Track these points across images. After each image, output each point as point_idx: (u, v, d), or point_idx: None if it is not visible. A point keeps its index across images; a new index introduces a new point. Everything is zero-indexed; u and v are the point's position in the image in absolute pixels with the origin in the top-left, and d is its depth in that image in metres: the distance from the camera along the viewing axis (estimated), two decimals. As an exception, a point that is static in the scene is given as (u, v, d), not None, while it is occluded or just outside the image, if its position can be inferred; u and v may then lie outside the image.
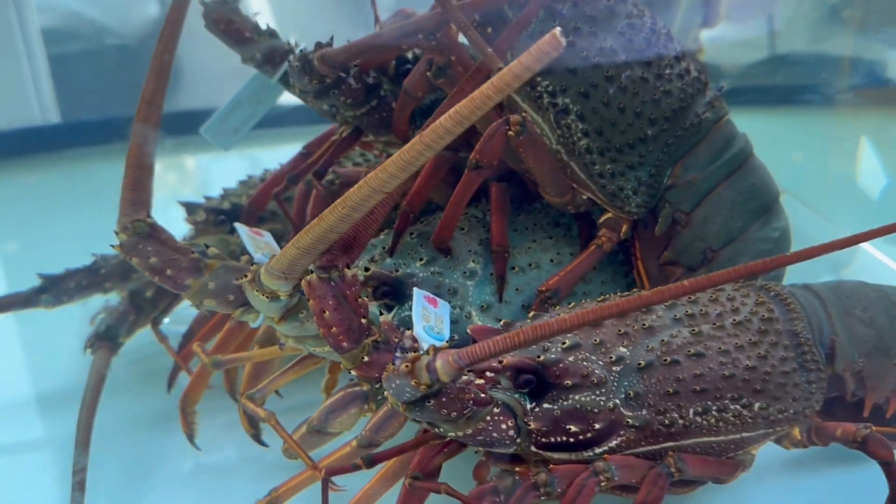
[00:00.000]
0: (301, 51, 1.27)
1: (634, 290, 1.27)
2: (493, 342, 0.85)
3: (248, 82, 1.43)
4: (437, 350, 0.87)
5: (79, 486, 1.30)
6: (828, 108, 3.20)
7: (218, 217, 1.56)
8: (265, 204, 1.51)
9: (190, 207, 1.62)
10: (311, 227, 0.88)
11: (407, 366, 0.87)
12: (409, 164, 0.80)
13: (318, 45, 1.24)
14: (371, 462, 1.03)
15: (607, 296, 1.17)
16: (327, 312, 0.92)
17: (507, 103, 1.23)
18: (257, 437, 1.33)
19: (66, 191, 2.67)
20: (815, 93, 3.18)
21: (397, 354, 0.92)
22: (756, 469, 1.16)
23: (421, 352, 0.97)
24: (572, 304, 1.23)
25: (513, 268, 1.27)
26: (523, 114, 1.18)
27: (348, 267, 0.94)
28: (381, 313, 1.18)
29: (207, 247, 1.16)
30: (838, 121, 3.18)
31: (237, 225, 1.28)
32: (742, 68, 3.05)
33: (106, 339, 1.47)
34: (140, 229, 1.08)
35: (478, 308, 1.24)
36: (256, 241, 1.26)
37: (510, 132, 1.14)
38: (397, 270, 1.22)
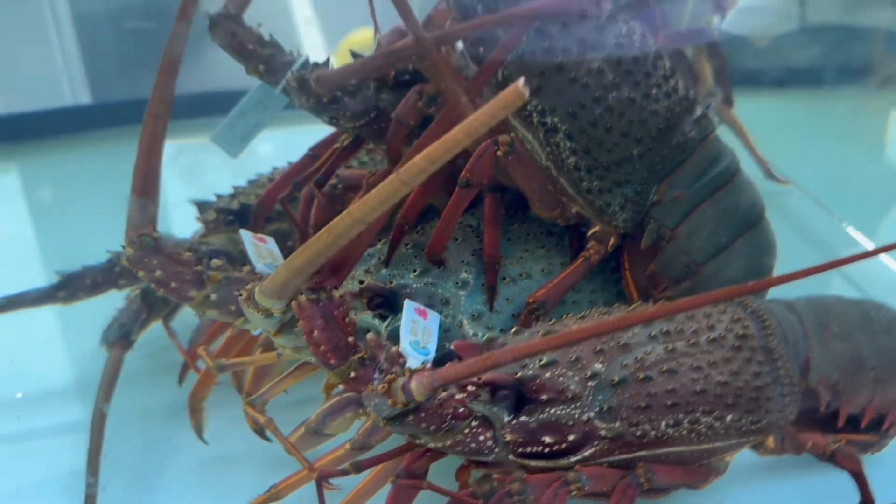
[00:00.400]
0: (298, 69, 1.35)
1: (615, 305, 1.34)
2: (465, 365, 0.95)
3: (254, 91, 1.52)
4: (412, 372, 0.97)
5: (93, 472, 1.42)
6: (859, 88, 3.20)
7: (227, 217, 1.67)
8: (272, 206, 1.60)
9: (201, 206, 1.73)
10: (301, 252, 0.97)
11: (384, 386, 0.97)
12: (388, 199, 0.89)
13: (315, 66, 1.33)
14: (360, 468, 1.13)
15: (591, 311, 1.25)
16: (316, 332, 1.02)
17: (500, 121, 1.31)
18: (261, 434, 1.43)
19: (97, 171, 2.77)
20: (845, 72, 3.18)
21: (375, 375, 1.01)
22: (736, 471, 1.25)
23: (407, 366, 1.07)
24: (565, 314, 1.32)
25: (504, 278, 1.36)
26: (512, 134, 1.26)
27: (336, 288, 1.04)
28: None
29: (211, 258, 1.26)
30: (868, 103, 3.18)
31: (242, 232, 1.38)
32: (771, 40, 3.06)
33: (119, 337, 1.59)
34: (146, 243, 1.18)
35: (469, 317, 1.33)
36: (259, 249, 1.35)
37: (499, 152, 1.23)
38: (392, 282, 1.32)
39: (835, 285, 1.95)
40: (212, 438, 1.51)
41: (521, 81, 0.79)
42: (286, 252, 1.63)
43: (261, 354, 1.37)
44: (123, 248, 1.18)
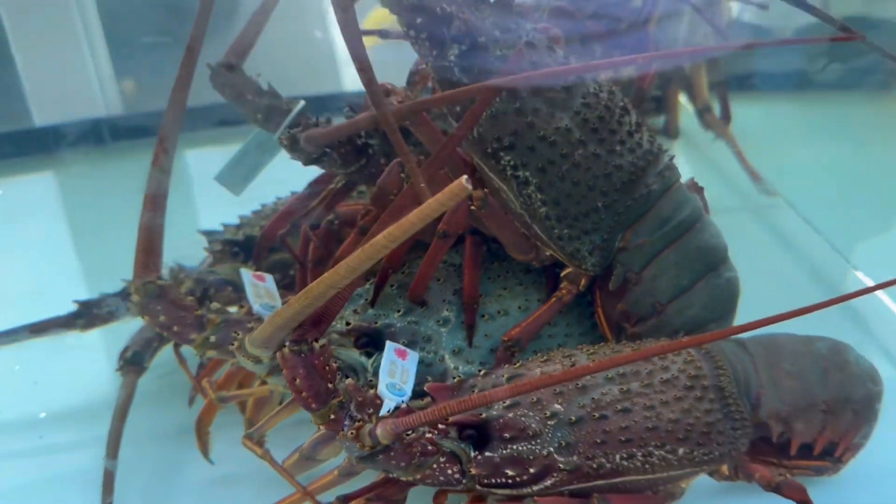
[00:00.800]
0: (290, 123, 1.50)
1: (578, 347, 1.48)
2: (426, 413, 1.11)
3: (254, 135, 1.68)
4: (378, 418, 1.12)
5: (108, 489, 1.60)
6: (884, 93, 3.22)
7: (233, 248, 1.83)
8: (273, 241, 1.76)
9: (209, 236, 1.89)
10: (283, 310, 1.13)
11: (352, 433, 1.13)
12: (356, 270, 1.05)
13: (306, 124, 1.48)
14: (345, 501, 1.30)
15: (554, 353, 1.40)
16: (298, 380, 1.17)
17: (479, 172, 1.46)
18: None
19: (131, 181, 2.95)
20: (869, 72, 3.19)
21: (346, 422, 1.17)
22: (694, 492, 1.39)
23: (383, 408, 1.23)
24: (539, 349, 1.47)
25: (483, 315, 1.51)
26: (486, 190, 1.40)
27: (317, 339, 1.19)
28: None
29: (218, 287, 1.42)
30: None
31: (242, 271, 1.53)
32: (794, 32, 3.04)
33: (133, 363, 1.76)
34: (151, 291, 1.34)
35: (450, 352, 1.48)
36: (258, 289, 1.51)
37: (472, 206, 1.37)
38: (377, 321, 1.47)
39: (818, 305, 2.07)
40: (218, 458, 1.67)
41: (464, 178, 0.94)
42: (287, 281, 1.80)
43: (258, 387, 1.54)
44: (129, 294, 1.34)
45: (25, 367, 1.97)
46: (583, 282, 1.50)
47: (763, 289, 1.99)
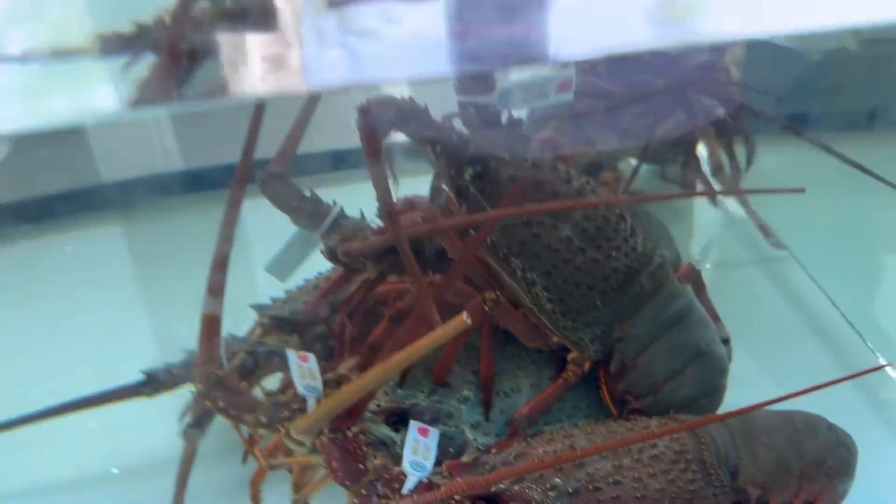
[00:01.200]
0: (329, 226, 1.77)
1: (581, 424, 1.72)
2: (444, 490, 1.36)
3: (298, 231, 1.94)
4: (402, 496, 1.38)
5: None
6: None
7: (279, 322, 2.10)
8: (315, 317, 2.02)
9: (259, 310, 2.16)
10: (319, 409, 1.39)
11: (378, 510, 1.38)
12: (370, 388, 1.31)
13: (343, 237, 1.74)
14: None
15: (557, 434, 1.64)
16: (334, 463, 1.43)
17: (494, 270, 1.71)
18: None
19: (193, 235, 3.10)
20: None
21: (374, 499, 1.42)
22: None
23: (406, 484, 1.48)
24: (548, 424, 1.72)
25: (498, 393, 1.76)
26: (497, 293, 1.65)
27: (351, 428, 1.45)
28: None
29: (268, 357, 1.69)
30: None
31: (287, 352, 1.78)
32: (823, 54, 3.10)
33: (194, 428, 2.03)
34: (211, 380, 1.61)
35: (469, 426, 1.72)
36: (301, 370, 1.76)
37: (486, 307, 1.62)
38: (405, 401, 1.72)
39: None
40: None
41: (464, 315, 1.19)
42: (328, 352, 2.06)
43: (303, 457, 1.80)
44: (194, 382, 1.61)
45: (99, 424, 2.25)
46: (587, 364, 1.74)
47: (762, 351, 2.22)
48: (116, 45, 1.45)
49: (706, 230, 3.04)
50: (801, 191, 1.42)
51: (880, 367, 1.38)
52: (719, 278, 2.76)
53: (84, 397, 2.07)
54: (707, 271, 2.74)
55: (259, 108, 1.48)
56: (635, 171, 2.64)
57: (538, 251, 1.65)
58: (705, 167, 2.81)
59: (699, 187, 2.81)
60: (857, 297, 2.57)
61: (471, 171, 1.62)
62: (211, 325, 1.62)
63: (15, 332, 2.74)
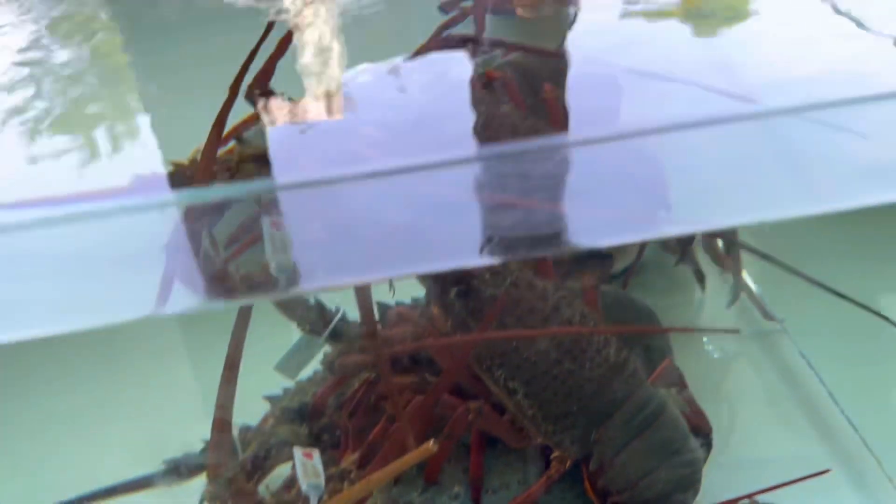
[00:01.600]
0: (330, 348, 1.95)
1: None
2: None
3: (303, 336, 2.13)
4: None
5: None
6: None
7: (289, 414, 2.28)
8: (322, 409, 2.20)
9: (272, 401, 2.34)
10: (319, 517, 1.57)
11: None
12: (361, 496, 1.48)
13: (341, 352, 1.92)
14: None
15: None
16: (330, 567, 1.61)
17: (483, 378, 1.88)
18: None
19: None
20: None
21: None
22: None
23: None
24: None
25: (487, 490, 1.92)
26: (480, 402, 1.82)
27: (345, 534, 1.62)
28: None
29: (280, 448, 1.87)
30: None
31: (294, 449, 1.97)
32: None
33: (212, 514, 2.21)
34: (221, 483, 1.79)
35: (460, 520, 1.90)
36: (306, 467, 1.94)
37: (469, 417, 1.80)
38: (399, 499, 1.89)
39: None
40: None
41: (430, 443, 1.37)
42: (335, 440, 2.23)
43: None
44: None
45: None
46: (568, 462, 1.90)
47: (750, 433, 2.36)
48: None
49: (708, 300, 3.13)
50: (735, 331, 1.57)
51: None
52: (715, 352, 2.86)
53: (107, 487, 2.25)
54: (704, 343, 2.84)
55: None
56: (633, 265, 2.80)
57: (518, 363, 1.82)
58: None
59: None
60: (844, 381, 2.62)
61: (455, 291, 1.80)
62: (220, 425, 1.80)
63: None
